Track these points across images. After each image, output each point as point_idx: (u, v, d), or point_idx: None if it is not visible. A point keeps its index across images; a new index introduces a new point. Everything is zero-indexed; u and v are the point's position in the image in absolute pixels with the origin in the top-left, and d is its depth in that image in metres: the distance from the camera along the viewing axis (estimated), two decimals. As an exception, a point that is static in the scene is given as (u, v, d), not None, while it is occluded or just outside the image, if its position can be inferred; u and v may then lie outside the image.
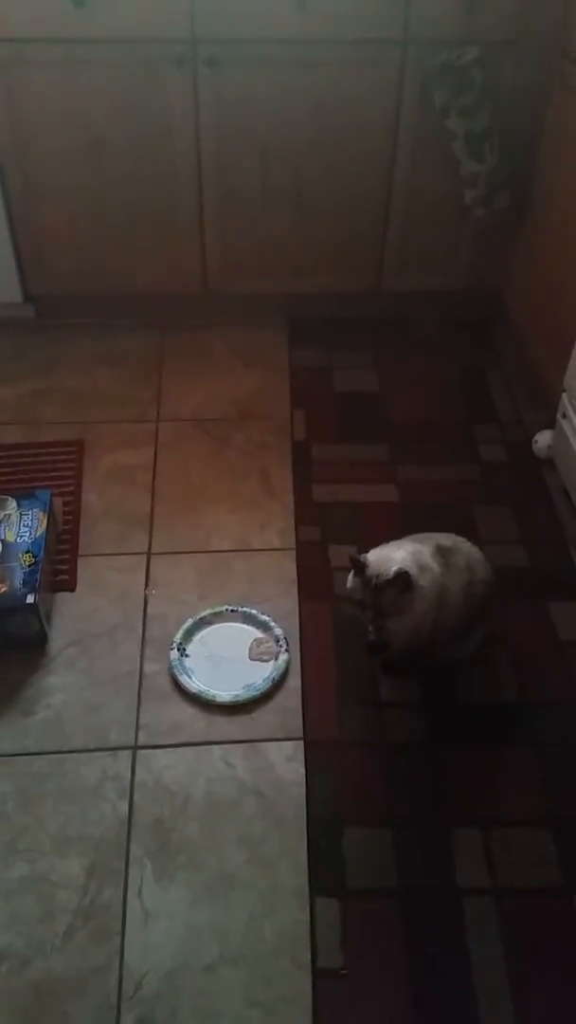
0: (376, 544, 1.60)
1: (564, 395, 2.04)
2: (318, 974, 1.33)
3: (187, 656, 1.75)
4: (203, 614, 1.82)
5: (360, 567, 1.52)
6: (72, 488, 2.11)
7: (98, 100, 2.16)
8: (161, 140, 2.23)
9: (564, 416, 2.05)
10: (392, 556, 1.53)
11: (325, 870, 1.44)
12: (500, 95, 2.16)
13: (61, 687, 1.70)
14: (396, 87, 2.17)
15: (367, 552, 1.55)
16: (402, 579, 1.47)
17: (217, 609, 1.83)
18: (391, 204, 2.37)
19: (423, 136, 2.23)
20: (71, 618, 1.83)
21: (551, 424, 2.15)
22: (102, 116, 2.18)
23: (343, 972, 1.34)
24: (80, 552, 1.97)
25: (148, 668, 1.74)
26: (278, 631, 1.79)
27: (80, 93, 2.14)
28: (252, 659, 1.76)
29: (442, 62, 2.09)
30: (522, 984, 1.33)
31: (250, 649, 1.78)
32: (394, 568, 1.48)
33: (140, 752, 1.60)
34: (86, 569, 1.93)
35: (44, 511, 1.87)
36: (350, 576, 1.55)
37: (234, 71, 2.12)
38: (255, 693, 1.69)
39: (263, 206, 2.35)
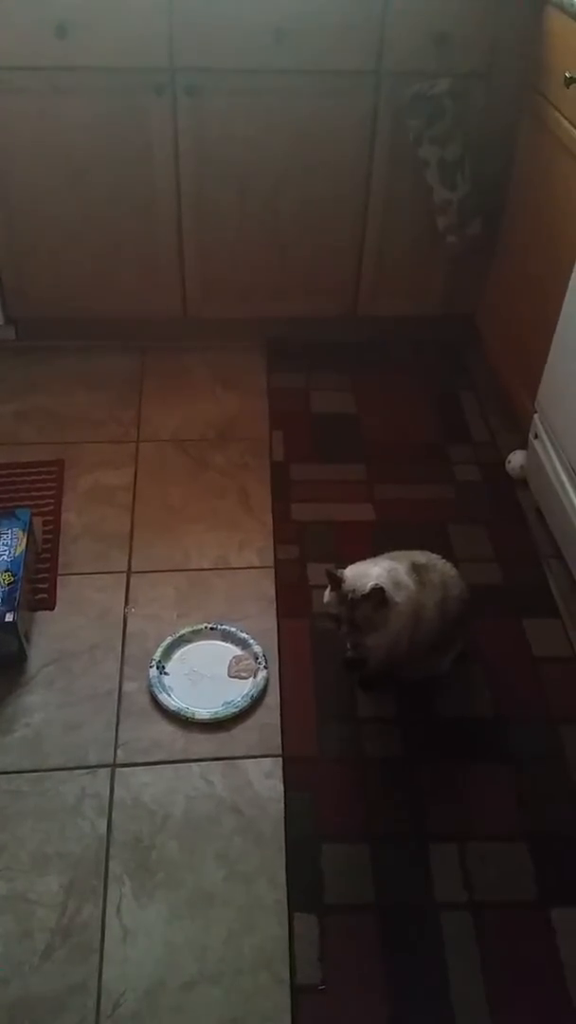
0: (353, 561, 1.62)
1: (535, 416, 2.08)
2: (297, 990, 1.33)
3: (166, 674, 1.76)
4: (182, 632, 1.83)
5: (336, 582, 1.54)
6: (52, 508, 2.12)
7: (79, 127, 2.19)
8: (141, 166, 2.26)
9: (536, 436, 2.09)
10: (368, 572, 1.55)
11: (303, 886, 1.45)
12: (472, 125, 2.22)
13: (40, 706, 1.70)
14: (370, 117, 2.22)
15: (343, 568, 1.58)
16: (377, 594, 1.50)
17: (196, 627, 1.85)
18: (366, 232, 2.42)
19: (397, 164, 2.29)
20: (50, 637, 1.84)
21: (524, 444, 2.19)
22: (83, 143, 2.21)
23: (322, 988, 1.34)
24: (60, 571, 1.98)
25: (127, 686, 1.75)
26: (257, 648, 1.80)
27: (61, 120, 2.18)
28: (231, 676, 1.77)
29: (415, 92, 2.15)
30: (500, 997, 1.34)
31: (229, 666, 1.79)
32: (370, 584, 1.50)
33: (119, 770, 1.60)
34: (66, 588, 1.94)
35: (24, 530, 1.88)
36: (327, 591, 1.57)
37: (213, 100, 2.16)
38: (234, 710, 1.70)
39: (241, 233, 2.39)
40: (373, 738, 1.68)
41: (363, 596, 1.50)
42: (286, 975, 1.35)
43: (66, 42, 2.04)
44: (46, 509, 2.11)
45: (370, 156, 2.28)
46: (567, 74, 1.89)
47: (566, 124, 1.95)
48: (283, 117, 2.21)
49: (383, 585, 1.51)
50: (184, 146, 2.23)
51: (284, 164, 2.28)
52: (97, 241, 2.39)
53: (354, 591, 1.51)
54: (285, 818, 1.54)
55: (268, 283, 2.50)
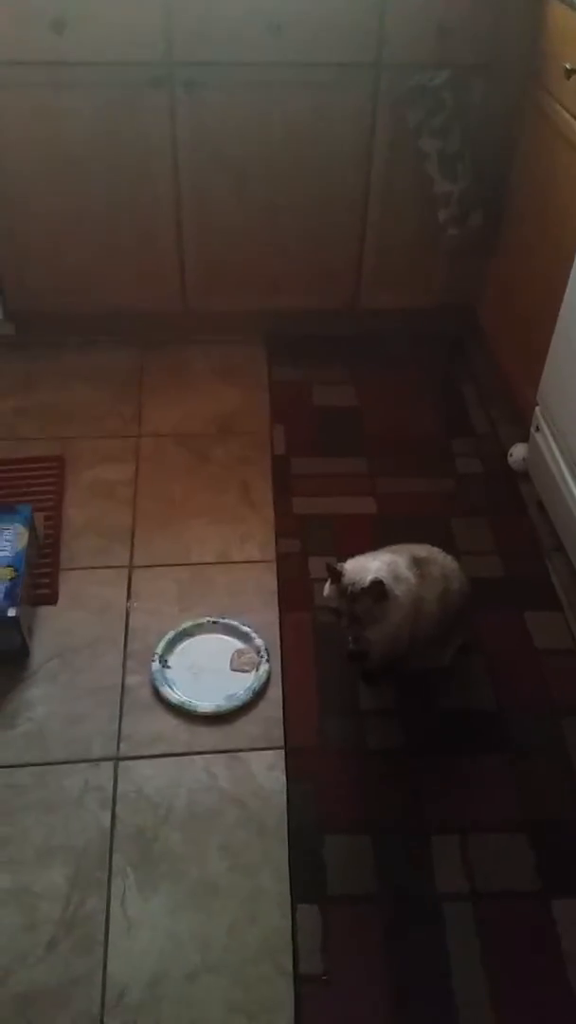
0: (354, 555, 1.62)
1: (537, 409, 2.08)
2: (300, 980, 1.34)
3: (169, 668, 1.77)
4: (184, 626, 1.84)
5: (337, 576, 1.54)
6: (53, 503, 2.12)
7: (78, 122, 2.19)
8: (140, 161, 2.26)
9: (538, 429, 2.09)
10: (368, 566, 1.56)
11: (306, 877, 1.46)
12: (472, 117, 2.21)
13: (43, 700, 1.71)
14: (370, 109, 2.21)
15: (344, 562, 1.58)
16: (377, 588, 1.50)
17: (198, 621, 1.85)
18: (366, 223, 2.41)
19: (397, 156, 2.28)
20: (53, 631, 1.84)
21: (525, 437, 2.19)
22: (81, 137, 2.21)
23: (324, 978, 1.35)
24: (62, 566, 1.98)
25: (130, 680, 1.75)
26: (259, 642, 1.81)
27: (60, 115, 2.17)
28: (233, 670, 1.78)
29: (414, 84, 2.14)
30: (501, 987, 1.35)
31: (231, 660, 1.80)
32: (369, 577, 1.51)
33: (122, 763, 1.61)
34: (67, 583, 1.95)
35: (25, 526, 1.88)
36: (327, 585, 1.57)
37: (211, 93, 2.16)
38: (236, 703, 1.70)
39: (241, 226, 2.39)
40: (375, 730, 1.69)
41: (363, 589, 1.51)
42: (289, 965, 1.36)
43: (63, 37, 2.04)
44: (47, 504, 2.12)
45: (370, 148, 2.28)
46: (567, 65, 1.89)
47: (566, 115, 1.95)
48: (282, 110, 2.20)
49: (383, 578, 1.51)
50: (182, 140, 2.23)
51: (283, 157, 2.28)
52: (96, 235, 2.39)
53: (354, 584, 1.52)
54: (288, 810, 1.55)
55: (268, 276, 2.50)
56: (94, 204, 2.33)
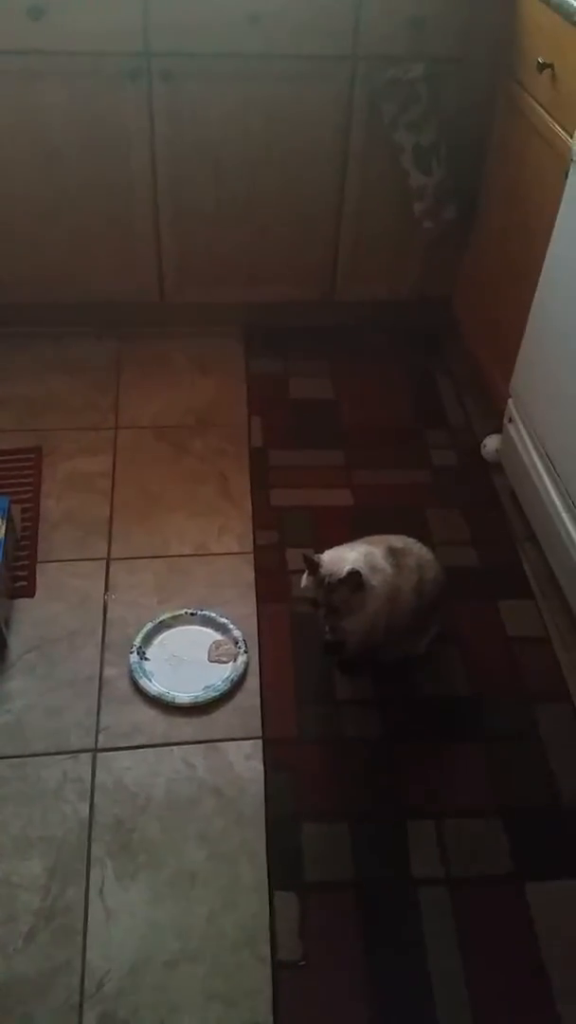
0: (332, 546, 1.64)
1: (510, 401, 2.11)
2: (278, 966, 1.36)
3: (147, 659, 1.77)
4: (162, 618, 1.85)
5: (314, 567, 1.56)
6: (30, 495, 2.12)
7: (54, 111, 2.17)
8: (117, 151, 2.25)
9: (510, 421, 2.11)
10: (345, 556, 1.57)
11: (283, 864, 1.48)
12: (447, 110, 2.22)
13: (21, 692, 1.71)
14: (346, 101, 2.22)
15: (321, 553, 1.59)
16: (354, 578, 1.52)
17: (176, 613, 1.86)
18: (342, 215, 2.42)
19: (372, 149, 2.29)
20: (30, 624, 1.85)
21: (499, 429, 2.21)
22: (58, 127, 2.20)
23: (302, 964, 1.37)
24: (39, 558, 1.98)
25: (108, 672, 1.76)
26: (237, 633, 1.82)
27: (36, 103, 2.16)
28: (211, 661, 1.79)
29: (389, 77, 2.15)
30: (476, 969, 1.37)
31: (209, 651, 1.81)
32: (347, 568, 1.52)
33: (100, 754, 1.62)
34: (45, 575, 1.95)
35: (2, 517, 1.88)
36: (304, 576, 1.59)
37: (188, 84, 2.16)
38: (214, 694, 1.71)
39: (218, 217, 2.39)
40: (352, 719, 1.71)
41: (340, 580, 1.52)
42: (267, 952, 1.37)
43: (40, 24, 2.02)
44: (24, 496, 2.11)
45: (346, 141, 2.29)
46: (540, 59, 1.90)
47: (539, 109, 1.96)
48: (259, 102, 2.20)
49: (360, 569, 1.53)
50: (160, 131, 2.22)
51: (260, 149, 2.28)
52: (73, 226, 2.38)
53: (331, 575, 1.53)
54: (265, 798, 1.57)
55: (245, 268, 2.50)
56: (70, 194, 2.32)
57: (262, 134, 2.25)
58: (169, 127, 2.22)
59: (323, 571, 1.54)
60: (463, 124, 2.27)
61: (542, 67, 1.90)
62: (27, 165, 2.26)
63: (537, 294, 1.92)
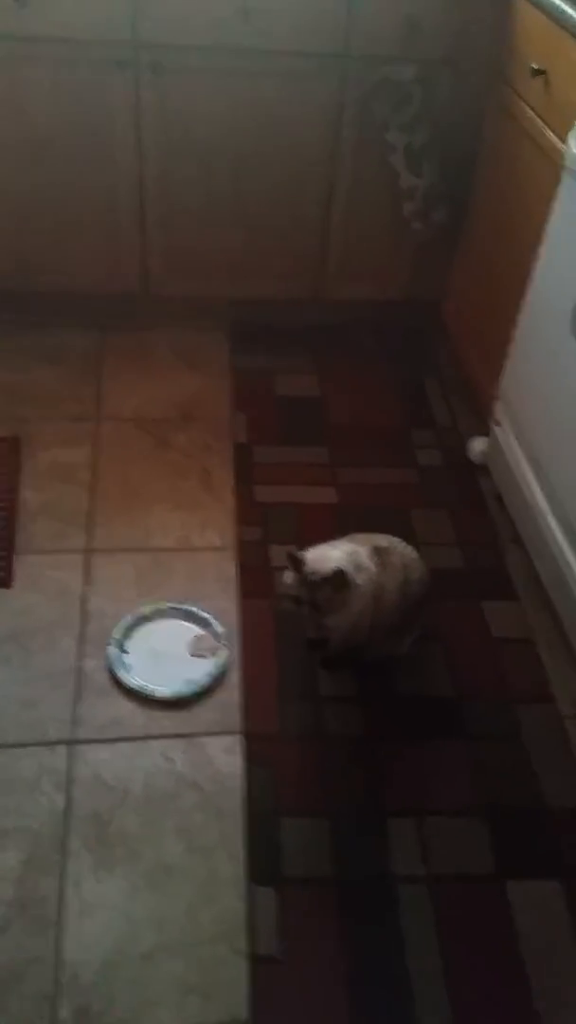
0: (315, 544, 1.62)
1: (497, 403, 2.11)
2: (255, 961, 1.34)
3: (126, 652, 1.75)
4: (143, 611, 1.82)
5: (298, 564, 1.54)
6: (9, 485, 2.09)
7: (39, 99, 2.15)
8: (103, 142, 2.23)
9: (498, 423, 2.12)
10: (329, 555, 1.56)
11: (262, 860, 1.46)
12: (438, 112, 2.23)
13: (-3, 682, 1.69)
14: (337, 100, 2.22)
15: (305, 550, 1.58)
16: (338, 577, 1.50)
17: (157, 606, 1.84)
18: (331, 214, 2.42)
19: (363, 148, 2.29)
20: (7, 614, 1.81)
21: (486, 431, 2.22)
22: (43, 115, 2.18)
23: (279, 958, 1.35)
24: (16, 550, 1.95)
25: (86, 664, 1.73)
26: (218, 628, 1.80)
27: (21, 91, 2.13)
28: (192, 655, 1.77)
29: (381, 77, 2.16)
30: (455, 967, 1.36)
31: (190, 645, 1.78)
32: (331, 566, 1.51)
33: (78, 747, 1.59)
34: (23, 566, 1.91)
35: (-18, 506, 1.85)
36: (287, 573, 1.57)
37: (177, 77, 2.14)
38: (195, 688, 1.69)
39: (205, 211, 2.38)
40: (334, 716, 1.69)
41: (324, 578, 1.51)
42: (245, 946, 1.36)
43: (26, 10, 2.00)
44: (2, 487, 2.08)
45: (336, 139, 2.29)
46: (534, 65, 1.92)
47: (531, 114, 1.98)
48: (248, 97, 2.20)
49: (344, 568, 1.52)
50: (148, 123, 2.21)
51: (249, 144, 2.27)
52: (57, 215, 2.35)
53: (315, 573, 1.52)
54: (245, 794, 1.54)
55: (232, 262, 2.49)
56: (55, 183, 2.29)
57: (251, 129, 2.25)
58: (157, 120, 2.21)
59: (307, 569, 1.53)
60: (455, 127, 2.28)
61: (535, 73, 1.91)
62: (11, 153, 2.23)
63: (526, 298, 1.92)
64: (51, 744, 1.59)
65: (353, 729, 1.68)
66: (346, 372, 2.55)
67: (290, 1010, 1.30)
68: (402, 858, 1.48)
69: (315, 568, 1.52)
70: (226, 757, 1.60)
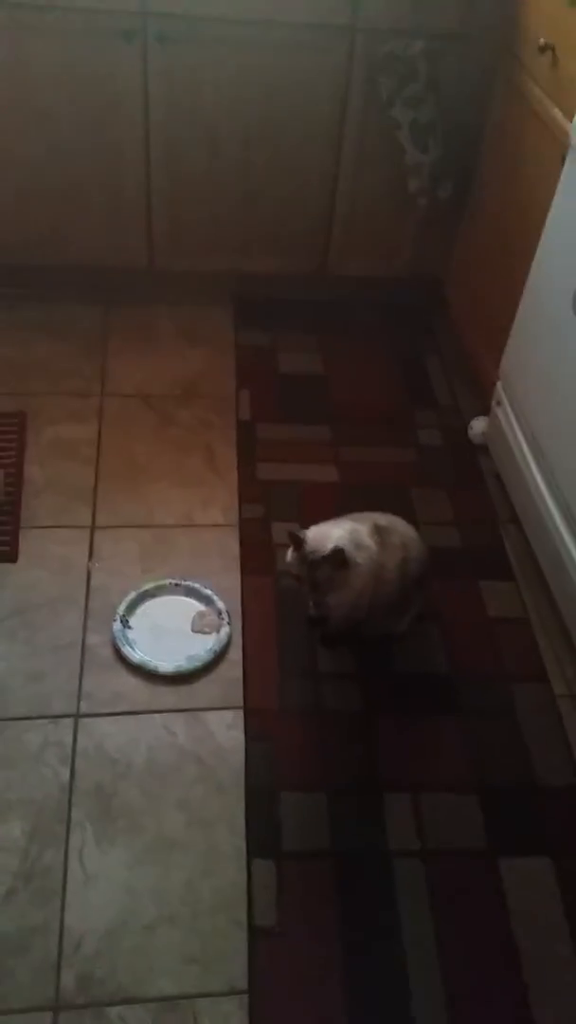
0: (317, 522, 1.64)
1: (499, 383, 2.12)
2: (254, 932, 1.38)
3: (130, 628, 1.77)
4: (146, 587, 1.84)
5: (299, 543, 1.56)
6: (14, 460, 2.10)
7: (45, 69, 2.13)
8: (109, 113, 2.22)
9: (498, 403, 2.12)
10: (330, 534, 1.57)
11: (262, 833, 1.50)
12: (445, 87, 2.21)
13: (2, 656, 1.71)
14: (344, 73, 2.19)
15: (307, 529, 1.60)
16: (338, 556, 1.52)
17: (160, 582, 1.86)
18: (337, 189, 2.40)
19: (369, 123, 2.27)
20: (12, 589, 1.84)
21: (486, 411, 2.23)
22: (49, 85, 2.16)
23: (278, 930, 1.39)
24: (22, 524, 1.97)
25: (91, 639, 1.76)
26: (220, 604, 1.83)
27: (26, 61, 2.11)
28: (194, 631, 1.79)
29: (388, 51, 2.13)
30: (448, 940, 1.40)
31: (193, 622, 1.81)
32: (330, 545, 1.53)
33: (82, 720, 1.62)
34: (28, 541, 1.93)
35: (-13, 482, 1.87)
36: (289, 551, 1.59)
37: (184, 48, 2.12)
38: (197, 664, 1.72)
39: (210, 184, 2.36)
40: (332, 692, 1.72)
41: (323, 557, 1.52)
42: (244, 918, 1.40)
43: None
44: (8, 462, 2.09)
45: (343, 113, 2.27)
46: (542, 40, 1.90)
47: (538, 91, 1.96)
48: (256, 69, 2.17)
49: (344, 547, 1.54)
50: (154, 94, 2.19)
51: (255, 117, 2.25)
52: (62, 188, 2.34)
53: (315, 552, 1.54)
54: (245, 768, 1.58)
55: (237, 237, 2.48)
56: (60, 155, 2.28)
57: (258, 101, 2.23)
58: (163, 91, 2.19)
59: (308, 547, 1.55)
60: (461, 103, 2.26)
61: (543, 49, 1.90)
62: (16, 124, 2.22)
63: (530, 278, 1.92)
64: (56, 717, 1.62)
65: (351, 705, 1.71)
66: (349, 350, 2.56)
67: (288, 980, 1.34)
68: (398, 832, 1.52)
69: (315, 547, 1.54)
70: (227, 731, 1.63)
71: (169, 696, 1.68)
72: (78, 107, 2.20)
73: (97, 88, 2.18)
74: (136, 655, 1.72)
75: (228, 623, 1.80)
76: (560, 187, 1.78)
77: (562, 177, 1.77)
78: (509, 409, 2.06)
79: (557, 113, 1.86)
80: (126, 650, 1.73)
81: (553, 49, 1.88)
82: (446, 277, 2.61)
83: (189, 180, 2.35)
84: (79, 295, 2.58)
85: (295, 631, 1.80)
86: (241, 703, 1.68)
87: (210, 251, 2.50)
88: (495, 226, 2.26)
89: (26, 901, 1.38)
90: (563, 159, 1.76)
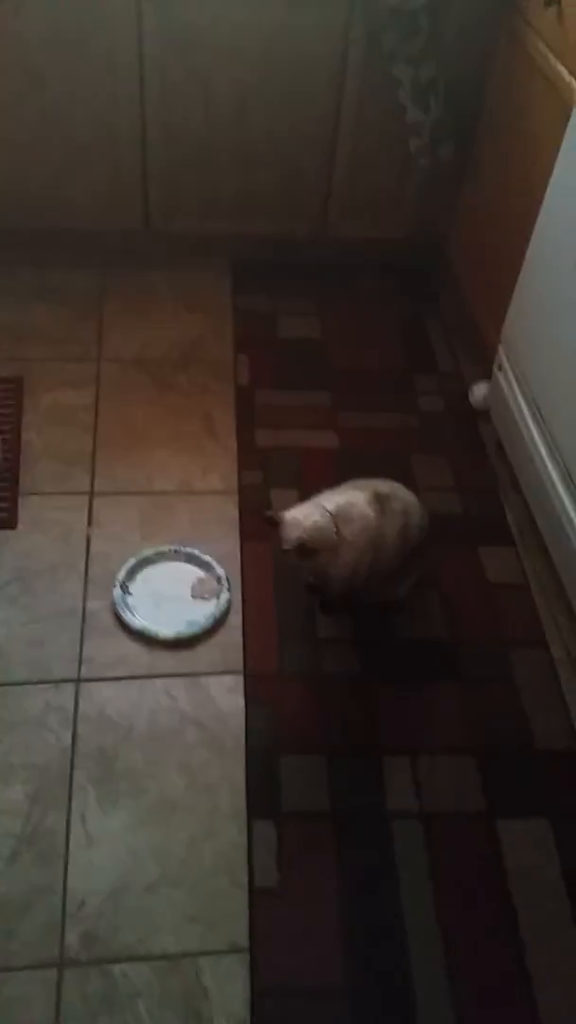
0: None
1: (500, 348, 2.10)
2: (254, 892, 1.40)
3: (130, 594, 1.78)
4: (146, 553, 1.85)
5: (275, 524, 1.54)
6: (11, 426, 2.09)
7: (37, 27, 2.08)
8: (104, 72, 2.17)
9: (500, 368, 2.11)
10: (302, 520, 1.53)
11: (262, 795, 1.51)
12: (448, 44, 2.16)
13: (3, 622, 1.72)
14: (344, 29, 2.14)
15: (285, 511, 1.56)
16: (300, 549, 1.51)
17: (160, 549, 1.86)
18: (336, 148, 2.36)
19: (369, 81, 2.23)
20: (12, 555, 1.84)
21: (488, 376, 2.21)
22: (41, 44, 2.11)
23: (278, 891, 1.41)
24: (21, 491, 1.96)
25: (91, 605, 1.76)
26: (220, 571, 1.83)
27: (17, 19, 2.06)
28: (194, 597, 1.80)
29: (390, 6, 2.08)
30: (447, 901, 1.42)
31: (192, 588, 1.81)
32: (296, 534, 1.51)
33: (83, 685, 1.63)
34: (27, 508, 1.93)
35: (-15, 448, 1.86)
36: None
37: (179, 3, 2.07)
38: (197, 630, 1.73)
39: (207, 144, 2.32)
40: (332, 657, 1.73)
41: (291, 547, 1.51)
42: (244, 879, 1.41)
43: None
44: (5, 428, 2.08)
45: (343, 71, 2.22)
46: (548, -6, 1.86)
47: (543, 47, 1.92)
48: (253, 25, 2.12)
49: (306, 538, 1.50)
50: (148, 52, 2.14)
51: (253, 75, 2.21)
52: (57, 148, 2.30)
53: (285, 541, 1.52)
54: (246, 731, 1.59)
55: (235, 198, 2.44)
56: (54, 116, 2.24)
57: (256, 59, 2.18)
58: (158, 48, 2.14)
59: (281, 534, 1.53)
60: (464, 60, 2.21)
61: (549, 3, 1.85)
62: (9, 86, 2.18)
63: (532, 240, 1.89)
64: (57, 682, 1.63)
65: (350, 670, 1.72)
66: (349, 314, 2.53)
67: (288, 938, 1.36)
68: (396, 794, 1.54)
69: (285, 535, 1.52)
70: (227, 695, 1.65)
71: (169, 661, 1.69)
72: (72, 65, 2.16)
73: (90, 47, 2.13)
74: (137, 621, 1.73)
75: (228, 589, 1.80)
76: (564, 146, 1.75)
77: (566, 135, 1.74)
78: (511, 374, 2.05)
79: (562, 70, 1.83)
80: (126, 616, 1.73)
81: (559, 3, 1.83)
82: (448, 239, 2.58)
83: (185, 140, 2.31)
84: (75, 259, 2.55)
85: (294, 597, 1.81)
86: (241, 668, 1.69)
87: (207, 212, 2.47)
88: (498, 186, 2.22)
89: (30, 863, 1.40)
90: (568, 117, 1.73)
